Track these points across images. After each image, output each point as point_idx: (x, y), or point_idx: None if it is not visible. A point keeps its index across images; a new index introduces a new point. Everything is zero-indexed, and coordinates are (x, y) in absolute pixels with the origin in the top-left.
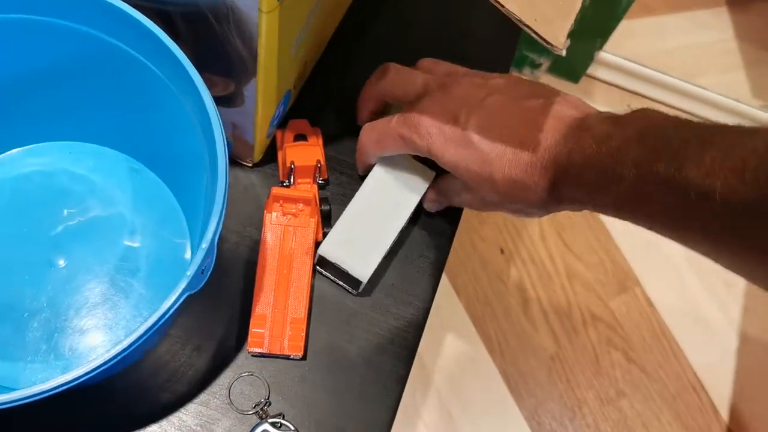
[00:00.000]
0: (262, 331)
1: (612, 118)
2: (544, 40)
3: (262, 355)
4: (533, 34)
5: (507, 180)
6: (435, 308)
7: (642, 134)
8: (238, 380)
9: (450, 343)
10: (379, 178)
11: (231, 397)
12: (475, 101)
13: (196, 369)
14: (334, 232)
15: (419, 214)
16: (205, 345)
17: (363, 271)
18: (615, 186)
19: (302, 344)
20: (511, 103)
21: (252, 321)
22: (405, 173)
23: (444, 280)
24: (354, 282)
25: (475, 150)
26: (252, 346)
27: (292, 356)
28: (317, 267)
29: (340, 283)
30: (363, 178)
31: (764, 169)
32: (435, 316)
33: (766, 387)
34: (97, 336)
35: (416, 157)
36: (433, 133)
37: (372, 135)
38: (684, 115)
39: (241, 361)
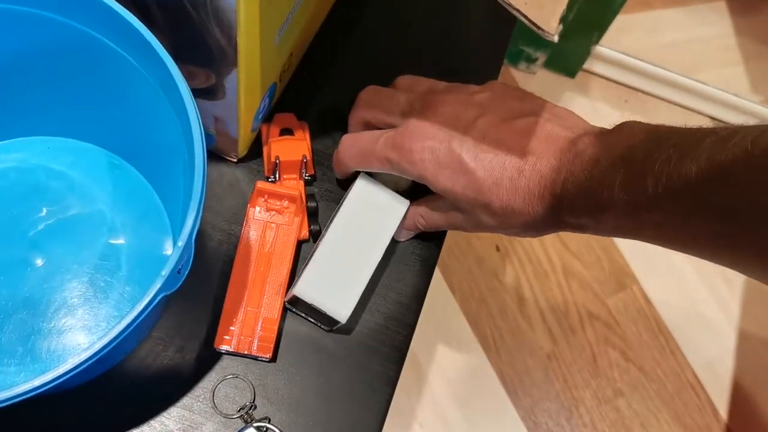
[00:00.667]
0: (232, 328)
1: (600, 139)
2: (535, 25)
3: (229, 354)
4: (523, 19)
5: (505, 207)
6: (429, 307)
7: (627, 157)
8: (223, 383)
9: (445, 342)
10: (352, 210)
11: (215, 401)
12: (466, 123)
13: (178, 371)
14: (309, 270)
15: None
16: (188, 346)
17: (342, 312)
18: (611, 212)
19: (272, 346)
20: (502, 125)
21: (222, 317)
22: (379, 203)
23: (438, 277)
24: (330, 321)
25: (471, 176)
26: (219, 344)
27: (260, 357)
28: (287, 305)
29: (312, 320)
30: (342, 183)
31: (746, 175)
32: (429, 315)
33: (766, 384)
34: (76, 337)
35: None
36: (426, 159)
37: (353, 151)
38: (682, 111)
39: (226, 363)
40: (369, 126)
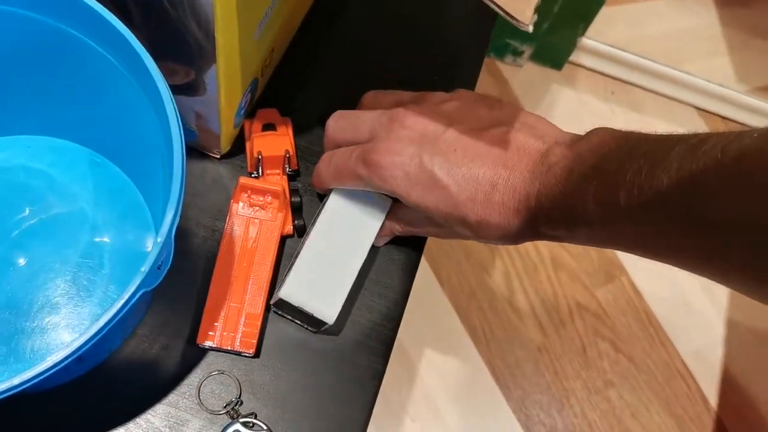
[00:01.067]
0: (216, 324)
1: (571, 149)
2: (509, 15)
3: (213, 350)
4: (498, 10)
5: (480, 221)
6: (419, 300)
7: (599, 168)
8: (209, 379)
9: (435, 336)
10: (335, 211)
11: (201, 397)
12: (435, 135)
13: (164, 368)
14: (294, 272)
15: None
16: (173, 344)
17: (329, 312)
18: (586, 225)
19: (255, 341)
20: (473, 136)
21: (205, 313)
22: (361, 203)
23: (428, 271)
24: (317, 323)
25: (444, 191)
26: (203, 340)
27: (243, 353)
28: (273, 308)
29: (298, 322)
30: (322, 196)
31: (717, 185)
32: (419, 309)
33: (755, 373)
34: (60, 336)
35: None
36: (398, 176)
37: (329, 168)
38: (668, 102)
39: (212, 359)
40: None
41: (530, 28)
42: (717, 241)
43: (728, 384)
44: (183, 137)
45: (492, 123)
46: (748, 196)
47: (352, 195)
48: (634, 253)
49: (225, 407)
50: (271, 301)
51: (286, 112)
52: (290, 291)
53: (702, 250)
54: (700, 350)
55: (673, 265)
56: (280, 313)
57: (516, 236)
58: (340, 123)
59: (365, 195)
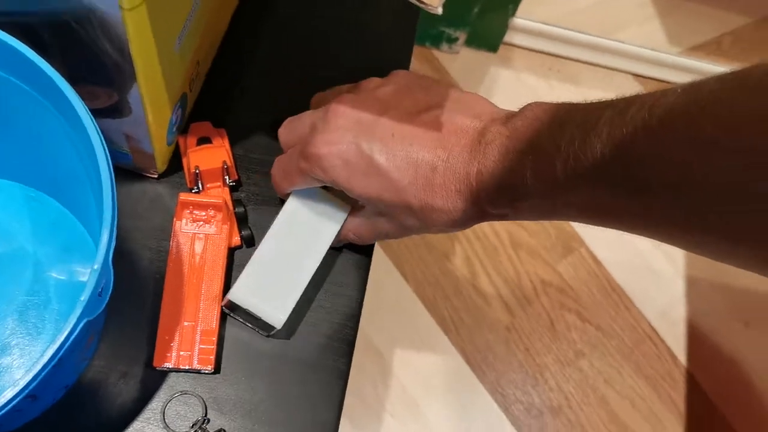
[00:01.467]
0: (172, 344)
1: (506, 126)
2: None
3: (172, 371)
4: None
5: (424, 206)
6: (385, 297)
7: (535, 143)
8: (172, 401)
9: (405, 331)
10: (291, 214)
11: (166, 421)
12: (371, 121)
13: (125, 396)
14: (245, 275)
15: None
16: (131, 371)
17: (277, 317)
18: (528, 200)
19: (213, 357)
20: (409, 119)
21: (159, 335)
22: (319, 208)
23: (391, 267)
24: (266, 327)
25: (385, 177)
26: (160, 363)
27: (203, 370)
28: (225, 309)
29: (250, 326)
30: (274, 204)
31: (647, 147)
32: (386, 306)
33: (719, 326)
34: (13, 377)
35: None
36: (337, 165)
37: (279, 170)
38: (606, 72)
39: (173, 380)
40: None
41: (439, 10)
42: (654, 203)
43: (694, 338)
44: (109, 160)
45: (428, 105)
46: (677, 155)
47: (309, 199)
48: (581, 222)
49: (192, 427)
50: (222, 303)
51: (220, 123)
52: (239, 293)
53: (642, 213)
54: (664, 309)
55: (620, 230)
56: (232, 315)
57: (463, 219)
58: (287, 128)
59: (323, 199)
